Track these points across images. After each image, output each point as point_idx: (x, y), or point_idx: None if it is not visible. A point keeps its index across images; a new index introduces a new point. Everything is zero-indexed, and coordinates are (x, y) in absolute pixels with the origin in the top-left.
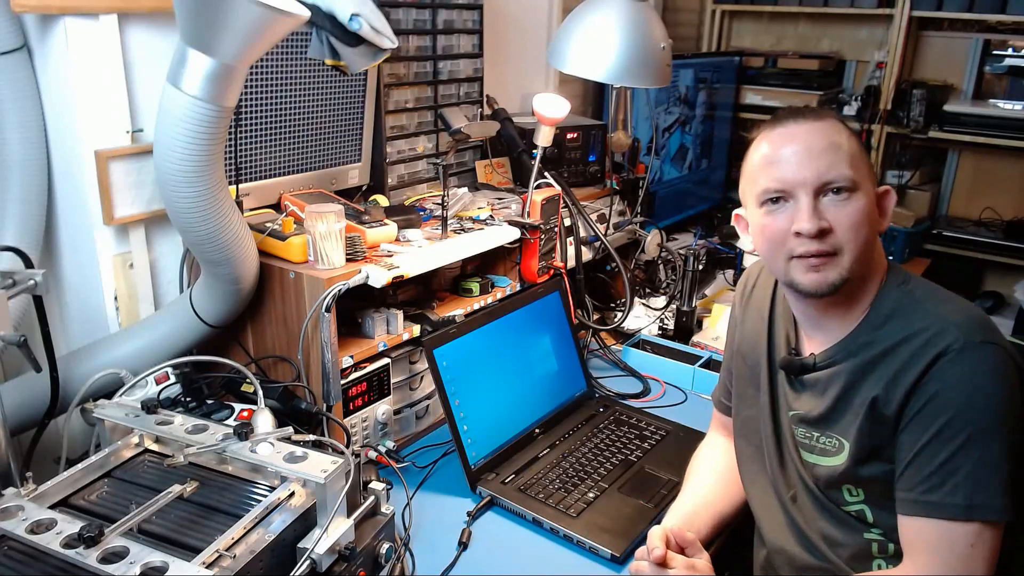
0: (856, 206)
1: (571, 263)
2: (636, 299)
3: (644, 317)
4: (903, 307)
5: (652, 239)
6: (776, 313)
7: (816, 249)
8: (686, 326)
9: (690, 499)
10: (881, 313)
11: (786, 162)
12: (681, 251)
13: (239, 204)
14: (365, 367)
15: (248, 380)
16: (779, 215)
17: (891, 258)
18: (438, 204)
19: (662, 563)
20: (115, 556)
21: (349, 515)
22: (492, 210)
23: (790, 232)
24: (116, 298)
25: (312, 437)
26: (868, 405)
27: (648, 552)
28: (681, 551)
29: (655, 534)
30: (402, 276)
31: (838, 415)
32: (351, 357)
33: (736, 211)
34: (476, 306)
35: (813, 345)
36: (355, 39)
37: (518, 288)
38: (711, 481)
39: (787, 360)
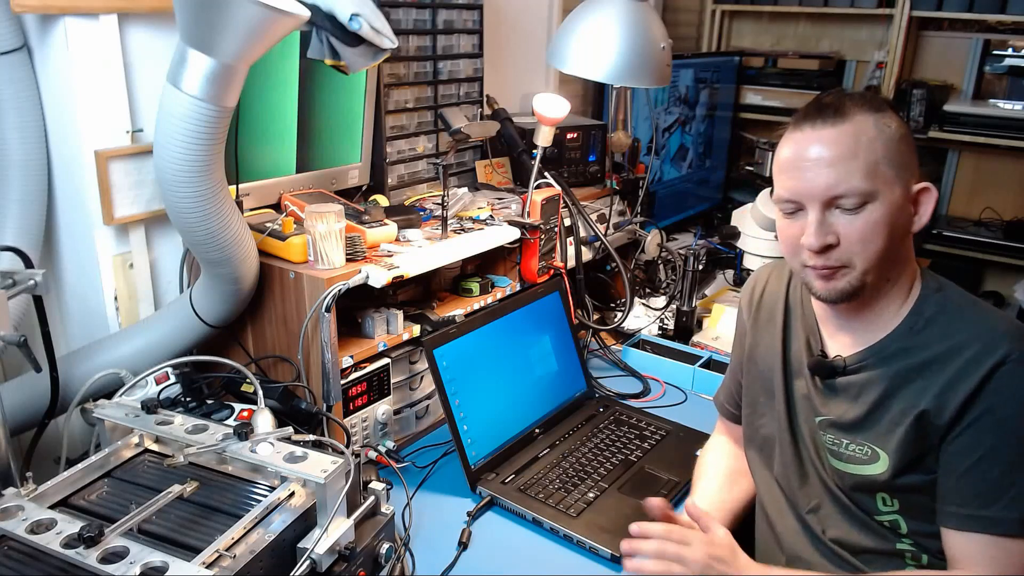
0: (868, 219)
1: (571, 263)
2: (636, 299)
3: (644, 317)
4: (942, 314)
5: (652, 239)
6: (792, 318)
7: (822, 263)
8: (686, 326)
9: (702, 500)
10: (921, 319)
11: (798, 173)
12: (681, 251)
13: (239, 204)
14: (365, 367)
15: (248, 380)
16: (794, 223)
17: None
18: (438, 204)
19: (668, 518)
20: (115, 556)
21: (349, 515)
22: (492, 210)
23: (801, 242)
24: (116, 298)
25: (312, 437)
26: (915, 416)
27: (648, 508)
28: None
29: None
30: (402, 276)
31: (873, 422)
32: (351, 357)
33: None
34: (476, 306)
35: (839, 347)
36: (355, 39)
37: (518, 288)
38: (719, 482)
39: (816, 362)
